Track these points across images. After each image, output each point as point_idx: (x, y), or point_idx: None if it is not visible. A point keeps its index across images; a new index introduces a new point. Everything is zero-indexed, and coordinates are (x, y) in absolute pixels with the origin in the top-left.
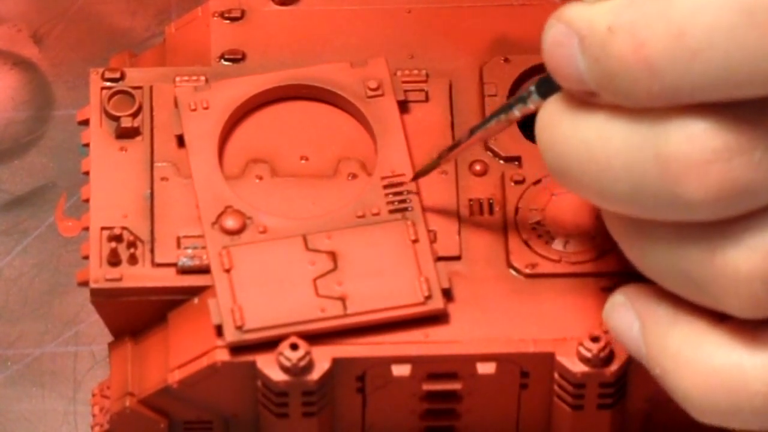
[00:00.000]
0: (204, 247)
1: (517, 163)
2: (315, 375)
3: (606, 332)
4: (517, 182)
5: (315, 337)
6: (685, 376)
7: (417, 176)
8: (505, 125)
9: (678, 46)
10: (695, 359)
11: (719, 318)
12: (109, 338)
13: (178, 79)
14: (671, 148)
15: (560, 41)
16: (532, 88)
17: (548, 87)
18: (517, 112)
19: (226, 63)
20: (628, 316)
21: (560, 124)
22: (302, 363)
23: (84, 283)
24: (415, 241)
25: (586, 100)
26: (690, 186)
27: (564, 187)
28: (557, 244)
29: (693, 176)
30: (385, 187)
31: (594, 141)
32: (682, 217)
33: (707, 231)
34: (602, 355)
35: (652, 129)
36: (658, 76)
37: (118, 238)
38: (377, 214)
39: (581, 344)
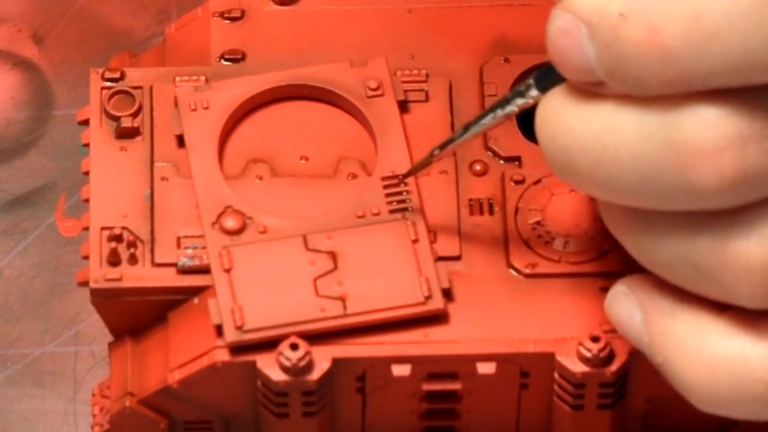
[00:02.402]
0: (204, 247)
1: (517, 163)
2: (315, 375)
3: (606, 332)
4: (517, 182)
5: (315, 337)
6: (688, 364)
7: (410, 172)
8: (502, 120)
9: (694, 29)
10: (698, 348)
11: (721, 308)
12: (109, 338)
13: (178, 79)
14: (684, 135)
15: (567, 30)
16: (531, 81)
17: (548, 80)
18: (514, 107)
19: (226, 63)
20: (630, 306)
21: (564, 116)
22: (302, 363)
23: (84, 283)
24: (415, 241)
25: (591, 90)
26: (703, 173)
27: (565, 182)
28: (557, 244)
29: (706, 163)
30: (385, 187)
31: (602, 131)
32: (693, 206)
33: (718, 220)
34: (602, 355)
35: (663, 117)
36: (673, 61)
37: (118, 238)
38: (377, 214)
39: (581, 344)
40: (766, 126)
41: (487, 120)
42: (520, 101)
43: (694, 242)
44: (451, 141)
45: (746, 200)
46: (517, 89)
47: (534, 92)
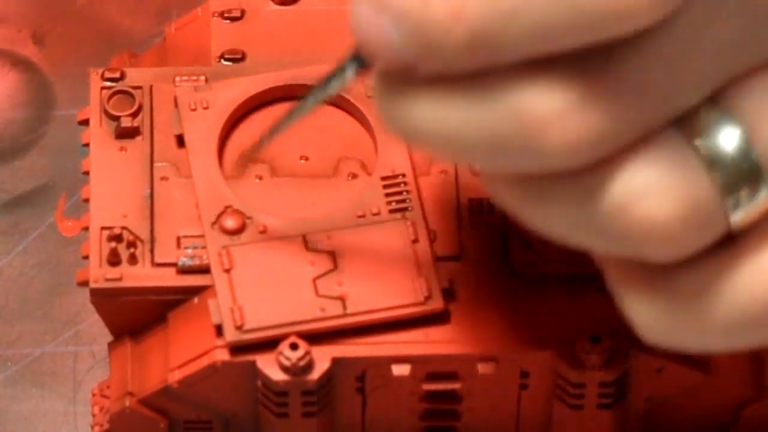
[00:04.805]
0: (204, 247)
1: None
2: (315, 375)
3: (606, 332)
4: None
5: (315, 337)
6: None
7: (242, 161)
8: (323, 101)
9: (495, 4)
10: None
11: None
12: (109, 338)
13: (178, 79)
14: (524, 105)
15: (370, 19)
16: (346, 63)
17: (363, 62)
18: (335, 88)
19: (226, 63)
20: None
21: (396, 105)
22: (302, 363)
23: (84, 283)
24: (415, 241)
25: (405, 75)
26: (549, 140)
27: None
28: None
29: (550, 130)
30: (385, 187)
31: (439, 116)
32: (550, 168)
33: (582, 179)
34: (602, 355)
35: (501, 91)
36: (480, 37)
37: (118, 238)
38: (377, 214)
39: (581, 344)
40: (600, 87)
41: (310, 102)
42: (340, 81)
43: (569, 206)
44: (280, 124)
45: (594, 159)
46: (335, 69)
47: (352, 72)
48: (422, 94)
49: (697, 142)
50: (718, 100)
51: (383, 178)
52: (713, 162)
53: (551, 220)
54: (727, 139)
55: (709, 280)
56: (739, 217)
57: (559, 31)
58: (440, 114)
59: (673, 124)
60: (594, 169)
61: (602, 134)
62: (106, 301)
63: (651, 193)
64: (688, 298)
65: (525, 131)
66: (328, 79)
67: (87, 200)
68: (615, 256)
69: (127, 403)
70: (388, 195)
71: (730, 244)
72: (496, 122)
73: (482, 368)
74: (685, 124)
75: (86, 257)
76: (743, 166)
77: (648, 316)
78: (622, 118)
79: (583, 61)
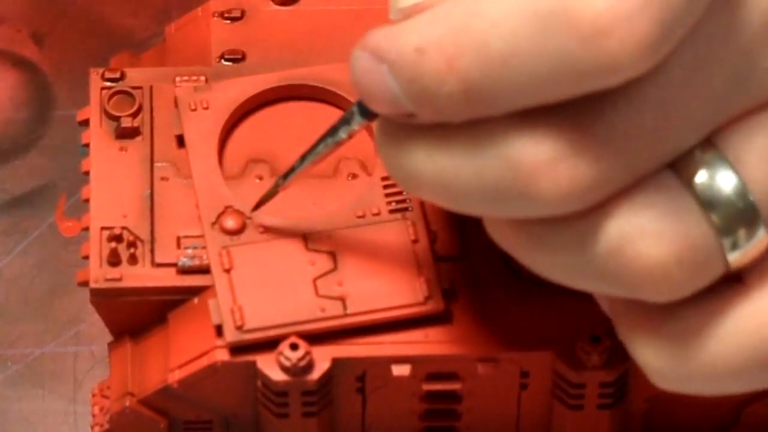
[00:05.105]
0: (204, 247)
1: None
2: (315, 375)
3: (606, 332)
4: None
5: (315, 337)
6: None
7: (258, 206)
8: (334, 148)
9: (486, 56)
10: None
11: None
12: (109, 338)
13: (178, 79)
14: (516, 154)
15: (369, 68)
16: (354, 108)
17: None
18: (343, 135)
19: (226, 63)
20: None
21: (394, 151)
22: (302, 363)
23: (84, 283)
24: (415, 241)
25: (405, 122)
26: (541, 187)
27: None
28: None
29: (542, 178)
30: (385, 187)
31: (435, 161)
32: (541, 215)
33: (573, 226)
34: (602, 355)
35: (493, 140)
36: (473, 87)
37: (118, 238)
38: (377, 214)
39: (581, 345)
40: (591, 135)
41: (320, 149)
42: (346, 129)
43: (566, 251)
44: (292, 171)
45: (588, 204)
46: (342, 118)
47: (359, 119)
48: (420, 142)
49: (693, 184)
50: (712, 143)
51: (383, 178)
52: (710, 203)
53: (550, 265)
54: (724, 180)
55: (711, 319)
56: (736, 258)
57: (549, 83)
58: (436, 162)
59: (668, 167)
60: (589, 213)
61: (594, 181)
62: (106, 301)
63: (646, 234)
64: (692, 338)
65: (517, 179)
66: (335, 127)
67: (87, 200)
68: (617, 300)
69: (127, 403)
70: (388, 195)
71: (731, 282)
72: (489, 170)
73: (482, 368)
74: (680, 166)
75: (86, 257)
76: (740, 207)
77: (654, 358)
78: (614, 164)
79: (573, 110)
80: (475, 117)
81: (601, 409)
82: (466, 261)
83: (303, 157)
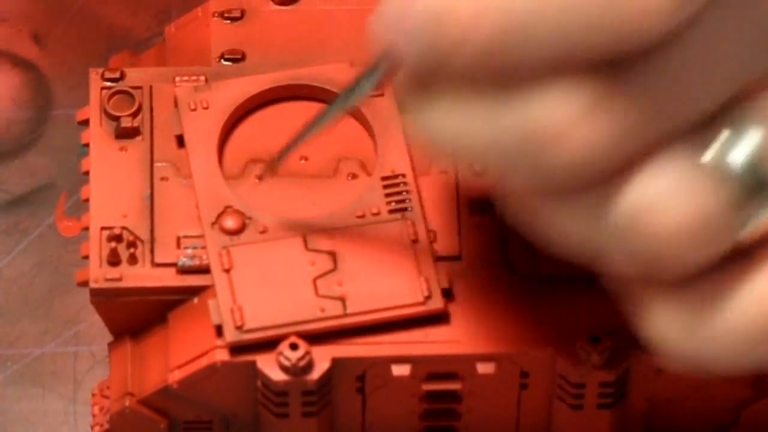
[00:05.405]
0: (204, 247)
1: None
2: (315, 375)
3: (606, 332)
4: None
5: (315, 337)
6: None
7: (269, 167)
8: (341, 116)
9: (513, 10)
10: None
11: None
12: (109, 338)
13: (178, 79)
14: (540, 112)
15: (395, 22)
16: (377, 64)
17: (380, 73)
18: (352, 101)
19: (226, 63)
20: None
21: (421, 109)
22: (302, 363)
23: (84, 283)
24: (415, 241)
25: (429, 79)
26: (556, 153)
27: None
28: None
29: (558, 143)
30: (385, 187)
31: (458, 118)
32: (559, 183)
33: (592, 193)
34: (602, 355)
35: (516, 98)
36: (499, 41)
37: (118, 238)
38: (377, 214)
39: (581, 344)
40: (613, 97)
41: (338, 105)
42: (366, 85)
43: (582, 218)
44: (306, 130)
45: (607, 167)
46: (361, 74)
47: (368, 84)
48: (443, 99)
49: (708, 155)
50: (729, 115)
51: (383, 179)
52: (723, 176)
53: (566, 232)
54: (738, 153)
55: (725, 289)
56: (748, 231)
57: (574, 38)
58: (459, 119)
59: (685, 138)
60: (605, 180)
61: (614, 143)
62: (106, 301)
63: (661, 205)
64: (706, 308)
65: (539, 138)
66: (357, 81)
67: (87, 200)
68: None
69: (127, 403)
70: (388, 195)
71: (745, 255)
72: (512, 128)
73: (482, 368)
74: (696, 138)
75: (86, 257)
76: (753, 181)
77: (668, 329)
78: (635, 127)
79: (597, 72)
80: (499, 72)
81: (602, 408)
82: (466, 261)
83: (320, 116)
